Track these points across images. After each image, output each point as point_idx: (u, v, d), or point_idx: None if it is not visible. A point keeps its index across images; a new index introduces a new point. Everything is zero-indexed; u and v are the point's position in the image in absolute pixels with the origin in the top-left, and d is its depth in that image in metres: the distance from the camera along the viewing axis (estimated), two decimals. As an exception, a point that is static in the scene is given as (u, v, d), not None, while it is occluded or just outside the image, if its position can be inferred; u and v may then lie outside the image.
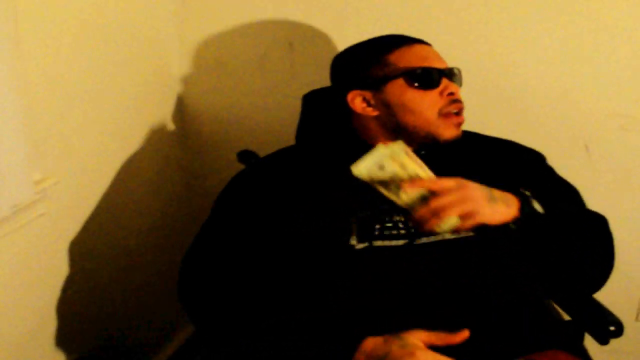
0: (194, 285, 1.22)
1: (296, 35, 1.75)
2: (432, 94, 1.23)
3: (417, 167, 1.06)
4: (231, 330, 1.14)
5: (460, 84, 1.29)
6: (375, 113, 1.27)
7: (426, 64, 1.24)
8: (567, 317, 1.30)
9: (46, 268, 1.46)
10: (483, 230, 1.07)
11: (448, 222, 1.02)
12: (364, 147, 1.21)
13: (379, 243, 1.14)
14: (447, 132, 1.23)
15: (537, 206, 1.10)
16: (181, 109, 1.90)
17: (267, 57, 1.79)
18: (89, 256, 1.58)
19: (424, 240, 1.15)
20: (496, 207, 1.05)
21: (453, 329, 1.07)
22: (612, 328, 1.16)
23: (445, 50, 1.31)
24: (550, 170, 1.31)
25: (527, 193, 1.10)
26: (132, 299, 1.78)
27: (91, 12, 1.49)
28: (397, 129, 1.25)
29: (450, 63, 1.29)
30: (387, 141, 1.25)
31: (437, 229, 1.03)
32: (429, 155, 1.22)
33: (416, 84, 1.23)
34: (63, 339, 1.53)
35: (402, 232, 1.16)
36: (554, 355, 1.09)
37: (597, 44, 1.57)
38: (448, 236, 1.15)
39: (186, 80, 1.87)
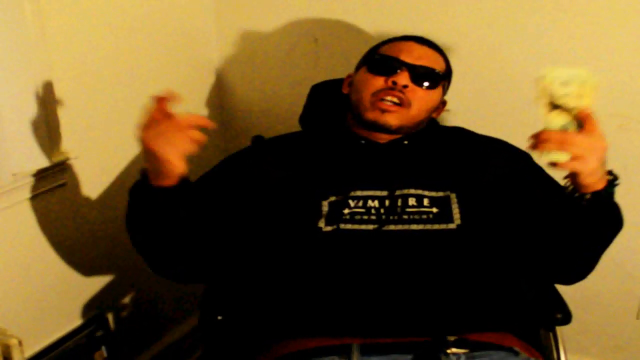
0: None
1: (321, 31, 1.87)
2: (378, 79, 1.29)
3: (590, 103, 1.02)
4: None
5: (431, 85, 1.31)
6: (346, 91, 1.39)
7: (391, 54, 1.30)
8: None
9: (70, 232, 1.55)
10: (573, 180, 1.07)
11: (561, 155, 1.01)
12: (342, 131, 1.31)
13: (347, 226, 1.20)
14: (371, 114, 1.29)
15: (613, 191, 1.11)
16: (217, 99, 2.04)
17: (294, 51, 1.91)
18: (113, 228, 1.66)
19: (392, 227, 1.21)
20: (598, 171, 1.04)
21: (405, 306, 1.14)
22: (558, 315, 1.20)
23: (447, 47, 1.39)
24: (539, 169, 1.34)
25: (617, 177, 1.11)
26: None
27: (135, 5, 1.64)
28: (351, 108, 1.36)
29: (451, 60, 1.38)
30: (358, 127, 1.33)
31: (545, 155, 1.01)
32: (413, 145, 1.30)
33: (372, 68, 1.31)
34: (76, 300, 1.62)
35: (373, 217, 1.21)
36: (489, 335, 1.13)
37: (597, 46, 1.59)
38: (415, 227, 1.21)
39: (223, 71, 2.02)
